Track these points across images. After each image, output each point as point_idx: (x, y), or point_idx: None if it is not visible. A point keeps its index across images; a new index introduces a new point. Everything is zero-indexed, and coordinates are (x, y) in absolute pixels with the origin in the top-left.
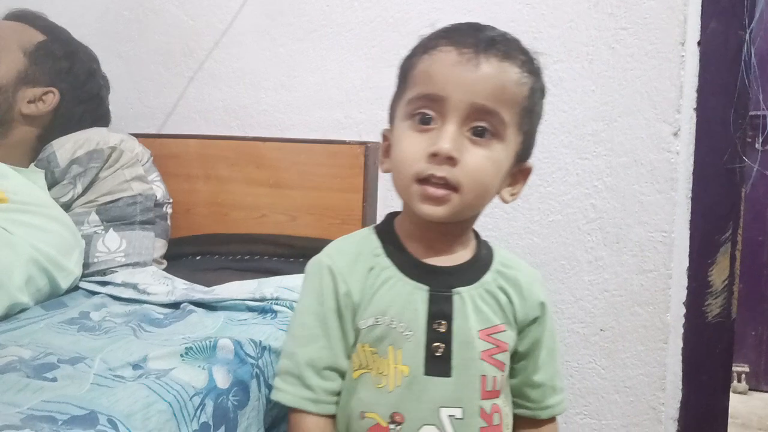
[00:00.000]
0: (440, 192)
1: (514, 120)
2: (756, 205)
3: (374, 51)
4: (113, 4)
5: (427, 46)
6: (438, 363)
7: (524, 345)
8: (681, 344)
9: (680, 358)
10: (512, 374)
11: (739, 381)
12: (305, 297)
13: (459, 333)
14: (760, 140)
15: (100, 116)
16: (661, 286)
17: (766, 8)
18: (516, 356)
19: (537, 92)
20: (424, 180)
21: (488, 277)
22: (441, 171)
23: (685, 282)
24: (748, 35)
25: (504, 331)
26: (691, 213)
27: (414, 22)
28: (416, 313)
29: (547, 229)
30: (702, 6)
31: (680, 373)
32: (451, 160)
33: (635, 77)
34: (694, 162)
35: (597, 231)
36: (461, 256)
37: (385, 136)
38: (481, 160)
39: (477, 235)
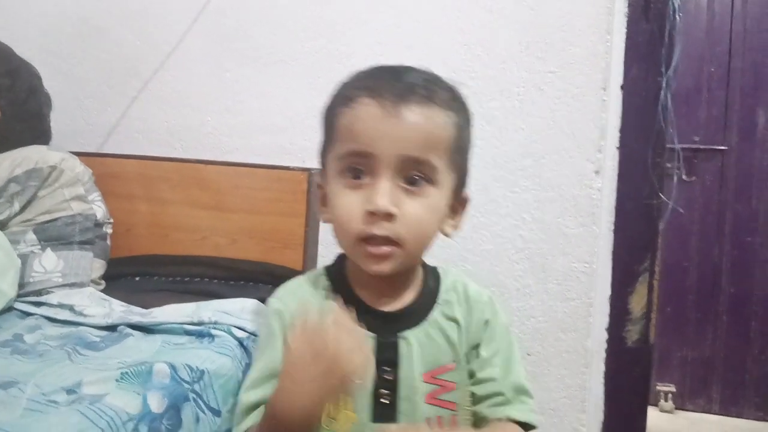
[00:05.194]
0: (383, 250)
1: (445, 163)
2: (681, 232)
3: (319, 81)
4: (57, 22)
5: (347, 96)
6: (385, 410)
7: (476, 363)
8: (603, 368)
9: (602, 381)
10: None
11: (666, 400)
12: (260, 339)
13: (404, 379)
14: (683, 172)
15: (41, 134)
16: (583, 314)
17: (681, 56)
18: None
19: (464, 126)
20: (366, 239)
21: (435, 313)
22: (381, 230)
23: (607, 309)
24: (665, 80)
25: (452, 369)
26: (614, 245)
27: (357, 55)
28: None
29: (479, 258)
30: (625, 53)
31: (602, 396)
32: (389, 216)
33: (561, 117)
34: (617, 197)
35: (525, 260)
36: (407, 296)
37: (320, 186)
38: (419, 211)
39: (424, 266)
